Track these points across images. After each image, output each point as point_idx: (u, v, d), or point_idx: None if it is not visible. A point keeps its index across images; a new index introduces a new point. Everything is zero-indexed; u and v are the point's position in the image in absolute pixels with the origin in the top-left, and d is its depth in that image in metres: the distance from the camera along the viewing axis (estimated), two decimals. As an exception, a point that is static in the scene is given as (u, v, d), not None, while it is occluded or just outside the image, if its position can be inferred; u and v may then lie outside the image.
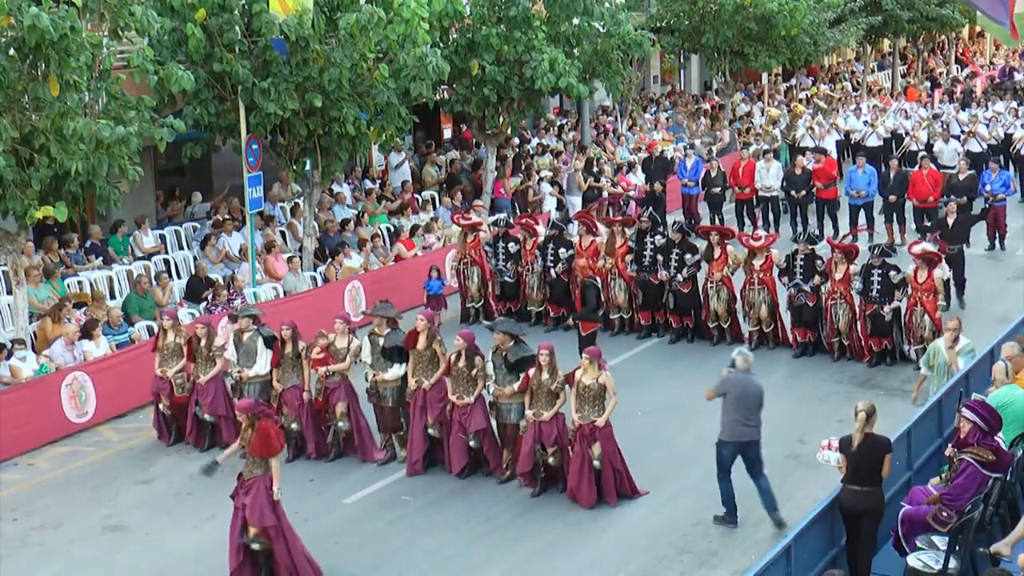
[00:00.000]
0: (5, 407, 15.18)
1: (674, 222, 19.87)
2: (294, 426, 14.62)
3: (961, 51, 54.89)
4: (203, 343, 15.06)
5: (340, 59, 18.82)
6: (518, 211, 25.44)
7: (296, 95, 19.02)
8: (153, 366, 15.54)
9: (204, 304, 18.75)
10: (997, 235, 24.29)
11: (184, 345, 15.29)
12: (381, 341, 14.40)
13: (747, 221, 25.73)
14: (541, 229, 20.08)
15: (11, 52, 14.68)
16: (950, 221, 20.36)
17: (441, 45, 22.79)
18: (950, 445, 11.11)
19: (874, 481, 10.75)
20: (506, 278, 20.00)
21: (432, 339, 14.07)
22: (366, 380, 14.56)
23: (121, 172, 15.84)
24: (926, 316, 16.90)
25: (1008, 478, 11.12)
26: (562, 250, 19.46)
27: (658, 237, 18.99)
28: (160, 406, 15.48)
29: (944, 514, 10.51)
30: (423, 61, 19.65)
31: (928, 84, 45.59)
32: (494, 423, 13.96)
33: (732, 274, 18.54)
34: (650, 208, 21.34)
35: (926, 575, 10.10)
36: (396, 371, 14.37)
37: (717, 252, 18.48)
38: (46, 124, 14.90)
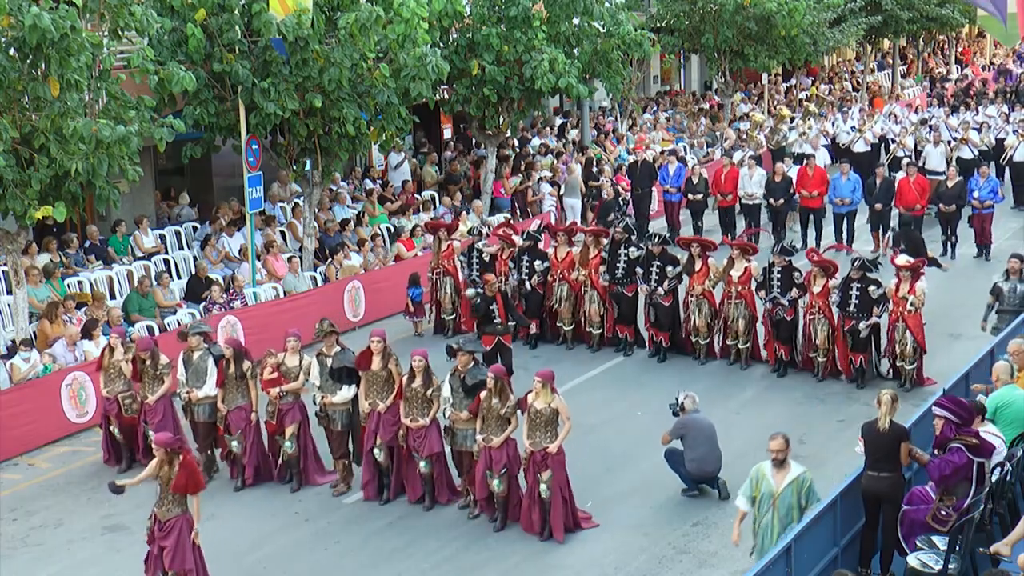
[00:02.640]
0: (5, 407, 15.18)
1: (653, 234, 19.17)
2: (235, 444, 14.03)
3: (961, 51, 54.87)
4: (148, 362, 14.34)
5: (340, 59, 18.81)
6: (518, 211, 25.49)
7: (296, 95, 19.02)
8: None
9: (203, 304, 18.75)
10: (983, 244, 23.62)
11: (127, 365, 14.58)
12: (329, 362, 13.71)
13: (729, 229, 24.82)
14: (517, 239, 19.30)
15: (11, 52, 14.69)
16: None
17: (441, 45, 22.82)
18: (933, 448, 11.10)
19: (892, 467, 10.99)
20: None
21: (387, 359, 13.42)
22: (314, 403, 13.88)
23: (121, 172, 15.85)
24: (908, 332, 16.23)
25: (1008, 478, 11.14)
26: (537, 262, 18.72)
27: (632, 249, 18.18)
28: (112, 428, 14.79)
29: (943, 513, 10.52)
30: (423, 61, 19.64)
31: (927, 84, 45.57)
32: (449, 449, 13.31)
33: (714, 287, 17.76)
34: (626, 220, 20.19)
35: (926, 575, 10.11)
36: (345, 393, 13.68)
37: (698, 264, 17.74)
38: (46, 124, 14.90)
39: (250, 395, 14.01)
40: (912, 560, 10.29)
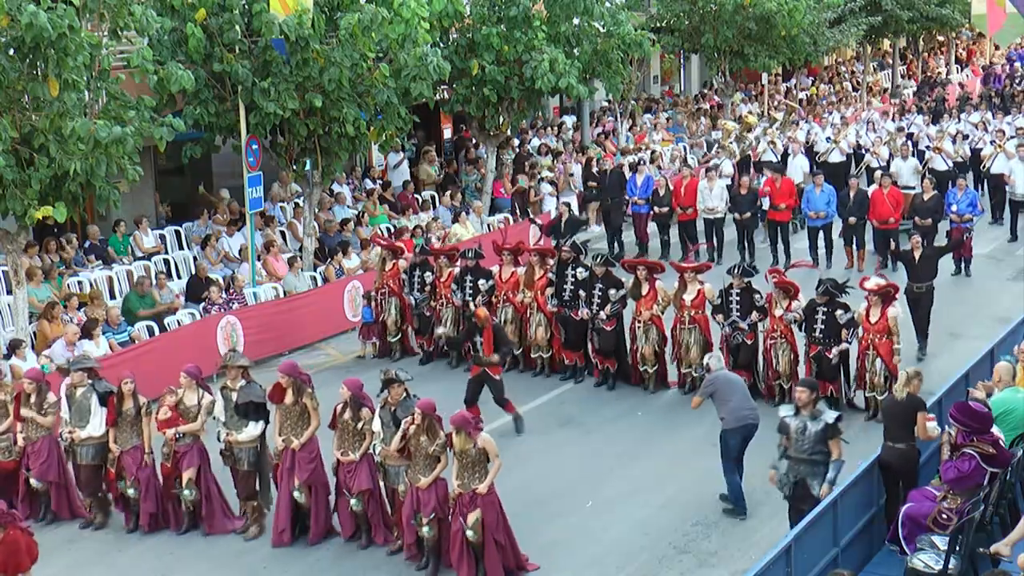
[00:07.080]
0: (5, 407, 15.15)
1: (596, 254, 17.67)
2: (131, 492, 12.84)
3: (962, 51, 54.83)
4: (33, 399, 13.07)
5: (340, 59, 18.82)
6: (518, 211, 25.50)
7: (296, 95, 19.03)
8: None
9: (202, 304, 18.75)
10: (962, 259, 22.23)
11: (9, 403, 13.32)
12: (234, 396, 12.60)
13: (690, 245, 22.95)
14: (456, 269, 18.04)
15: (10, 52, 14.69)
16: (916, 255, 17.66)
17: (441, 45, 22.83)
18: (951, 452, 11.13)
19: (908, 438, 11.43)
20: (422, 311, 18.07)
21: (300, 392, 12.35)
22: (219, 440, 12.75)
23: (120, 172, 15.84)
24: (879, 360, 15.01)
25: (1008, 478, 11.15)
26: (481, 281, 17.51)
27: (580, 270, 16.99)
28: None
29: (944, 516, 10.53)
30: (423, 61, 19.65)
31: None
32: (383, 486, 12.39)
33: (662, 312, 16.47)
34: (571, 236, 18.70)
35: (926, 575, 10.12)
36: (251, 430, 12.55)
37: (645, 288, 16.44)
38: (45, 124, 14.89)
39: (144, 434, 12.79)
40: (912, 560, 10.30)
